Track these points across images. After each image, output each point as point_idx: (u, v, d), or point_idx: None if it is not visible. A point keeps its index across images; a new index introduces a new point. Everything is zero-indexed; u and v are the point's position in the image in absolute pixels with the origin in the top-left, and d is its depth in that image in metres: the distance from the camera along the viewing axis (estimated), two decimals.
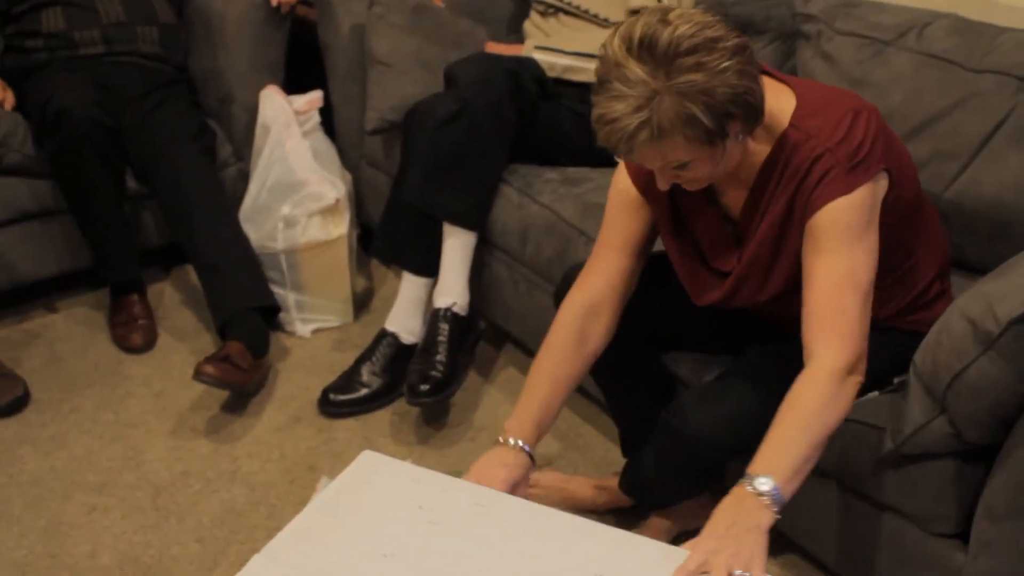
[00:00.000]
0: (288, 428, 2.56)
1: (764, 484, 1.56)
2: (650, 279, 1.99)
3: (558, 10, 2.90)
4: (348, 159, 3.07)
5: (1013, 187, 2.09)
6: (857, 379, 1.66)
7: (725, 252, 1.85)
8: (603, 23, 2.81)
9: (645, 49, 1.55)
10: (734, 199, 1.81)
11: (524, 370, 2.72)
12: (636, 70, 1.54)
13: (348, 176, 2.99)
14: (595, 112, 1.60)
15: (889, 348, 1.87)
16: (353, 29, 2.97)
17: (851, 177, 1.66)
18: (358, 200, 3.08)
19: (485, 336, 2.80)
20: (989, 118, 2.13)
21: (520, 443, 1.80)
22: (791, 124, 1.70)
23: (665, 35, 1.54)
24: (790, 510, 2.00)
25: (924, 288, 1.90)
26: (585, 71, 2.72)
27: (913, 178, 1.83)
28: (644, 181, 1.87)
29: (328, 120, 3.08)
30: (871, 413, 1.87)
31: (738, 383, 1.87)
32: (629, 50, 1.56)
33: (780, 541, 2.14)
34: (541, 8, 2.95)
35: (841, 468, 1.91)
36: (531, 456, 1.81)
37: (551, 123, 2.65)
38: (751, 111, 1.61)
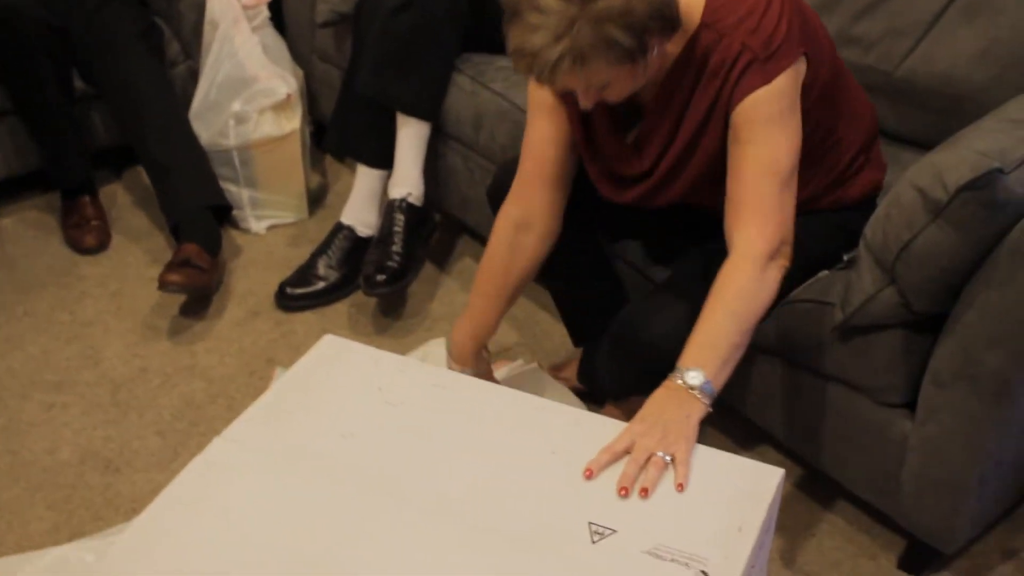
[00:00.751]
0: (246, 323, 2.56)
1: (695, 378, 1.59)
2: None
3: None
4: (299, 54, 3.03)
5: (964, 62, 2.09)
6: (782, 263, 1.67)
7: (626, 158, 1.83)
8: None
9: None
10: (640, 98, 1.78)
11: (480, 260, 2.72)
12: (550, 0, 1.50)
13: (299, 71, 2.95)
14: (511, 44, 1.54)
15: (830, 228, 1.89)
16: None
17: (769, 66, 1.64)
18: (310, 95, 3.05)
19: (441, 227, 2.80)
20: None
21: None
22: (702, 23, 1.66)
23: None
24: (738, 385, 2.05)
25: (848, 163, 1.90)
26: None
27: (831, 54, 1.81)
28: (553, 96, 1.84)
29: (278, 15, 3.03)
30: (820, 291, 1.89)
31: (684, 287, 1.87)
32: None
33: (730, 416, 2.18)
34: None
35: (792, 345, 1.93)
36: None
37: (502, 11, 2.61)
38: (668, 22, 1.58)
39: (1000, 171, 1.59)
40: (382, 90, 2.49)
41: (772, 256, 1.65)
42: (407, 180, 2.54)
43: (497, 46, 2.61)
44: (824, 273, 1.93)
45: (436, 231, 2.75)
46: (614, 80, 1.59)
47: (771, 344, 1.96)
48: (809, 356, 1.92)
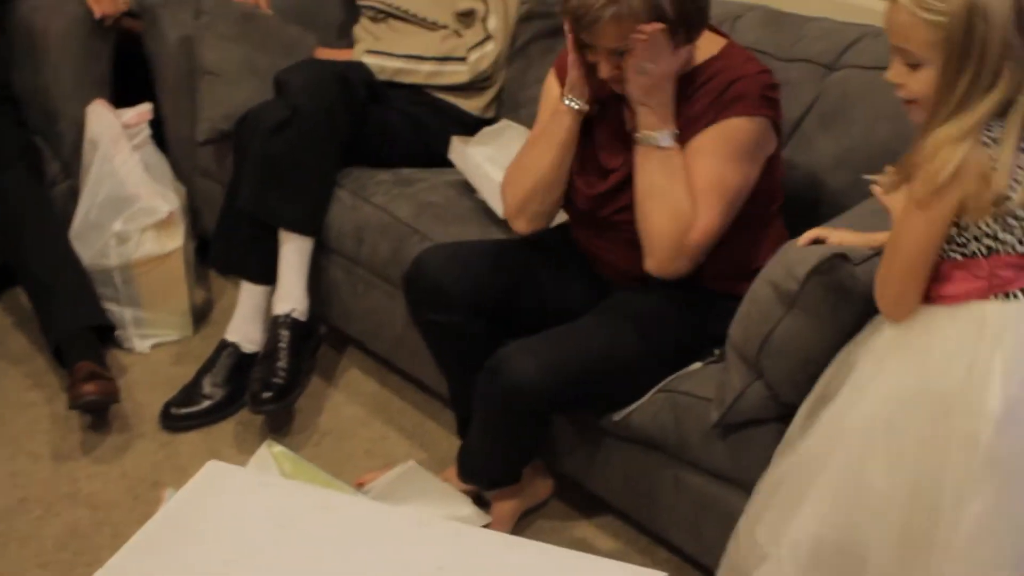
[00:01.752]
0: (129, 446, 2.52)
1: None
2: (499, 262, 2.11)
3: (387, 15, 2.92)
4: (181, 171, 3.03)
5: (823, 168, 2.19)
6: (693, 245, 1.88)
7: (615, 148, 2.00)
8: (431, 26, 2.84)
9: None
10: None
11: (367, 371, 2.74)
12: None
13: (182, 188, 2.96)
14: None
15: (716, 313, 1.96)
16: (180, 40, 2.94)
17: (760, 104, 1.88)
18: (193, 211, 3.04)
19: (326, 340, 2.80)
20: (799, 104, 2.24)
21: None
22: (718, 55, 1.93)
23: None
24: (616, 482, 2.09)
25: (755, 268, 1.99)
26: (415, 73, 2.75)
27: (780, 168, 2.03)
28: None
29: (159, 132, 3.04)
30: (698, 385, 1.95)
31: (559, 335, 1.97)
32: None
33: (609, 512, 2.21)
34: (371, 13, 2.96)
35: (672, 440, 1.97)
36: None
37: (382, 125, 2.67)
38: (699, 21, 1.86)
39: (844, 257, 1.69)
40: (264, 207, 2.51)
41: (690, 246, 1.88)
42: (291, 295, 2.54)
43: (377, 159, 2.68)
44: (697, 365, 2.00)
45: (322, 344, 2.76)
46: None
47: (653, 438, 2.00)
48: (691, 452, 1.96)
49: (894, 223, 1.56)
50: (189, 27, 2.92)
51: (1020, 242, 1.52)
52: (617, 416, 2.01)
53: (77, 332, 2.64)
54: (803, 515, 1.63)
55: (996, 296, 1.53)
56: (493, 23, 2.76)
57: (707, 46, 1.95)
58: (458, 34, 2.81)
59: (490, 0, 2.77)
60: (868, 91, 2.16)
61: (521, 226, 2.10)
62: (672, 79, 1.88)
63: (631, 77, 1.85)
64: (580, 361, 1.94)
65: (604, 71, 1.89)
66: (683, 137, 1.92)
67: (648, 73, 1.84)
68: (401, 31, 2.90)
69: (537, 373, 1.89)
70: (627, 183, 1.98)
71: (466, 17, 2.81)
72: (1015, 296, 1.53)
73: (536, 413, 2.00)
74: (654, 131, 1.89)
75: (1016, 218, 1.51)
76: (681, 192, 1.88)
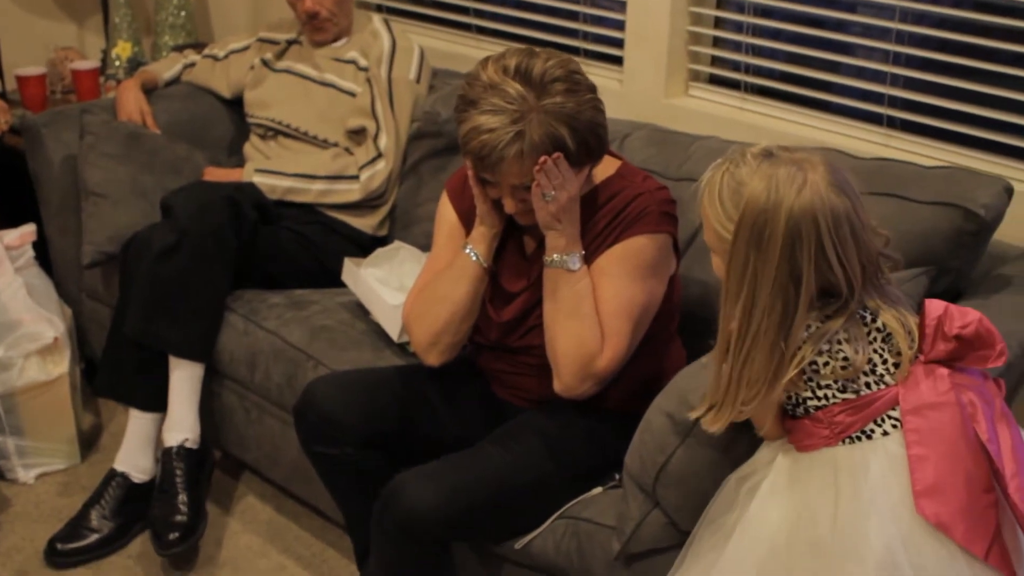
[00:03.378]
0: None
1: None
2: (391, 391, 2.08)
3: (276, 132, 2.92)
4: (67, 292, 2.97)
5: (715, 287, 2.21)
6: (602, 368, 1.90)
7: (517, 273, 2.03)
8: (322, 144, 2.84)
9: (520, 75, 1.82)
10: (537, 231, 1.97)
11: (263, 497, 2.68)
12: (513, 89, 1.81)
13: (68, 311, 2.88)
14: (467, 126, 1.83)
15: (617, 437, 1.96)
16: (64, 159, 2.89)
17: (661, 220, 1.92)
18: (80, 334, 2.97)
19: (219, 466, 2.73)
20: (689, 224, 2.26)
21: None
22: (615, 175, 1.97)
23: (538, 65, 1.83)
24: None
25: (658, 388, 1.99)
26: (306, 192, 2.74)
27: (678, 286, 2.08)
28: (464, 209, 2.08)
29: (43, 253, 2.97)
30: (600, 512, 1.94)
31: (456, 461, 1.95)
32: (506, 73, 1.83)
33: None
34: (260, 131, 2.95)
35: (576, 569, 1.95)
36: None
37: (274, 246, 2.64)
38: (599, 147, 1.89)
39: None
40: (151, 333, 2.46)
41: (599, 369, 1.89)
42: (182, 424, 2.48)
43: (270, 280, 2.64)
44: (597, 490, 1.99)
45: (214, 468, 2.68)
46: (562, 193, 1.84)
47: (557, 566, 1.97)
48: None
49: None
50: (73, 146, 2.88)
51: (840, 391, 1.57)
52: (518, 544, 1.98)
53: None
54: None
55: (843, 441, 1.57)
56: (384, 141, 2.77)
57: (604, 166, 1.99)
58: (349, 152, 2.80)
59: (380, 118, 2.78)
60: None
61: (433, 359, 2.07)
62: (576, 200, 1.90)
63: (538, 205, 1.87)
64: (480, 485, 1.92)
65: (509, 206, 1.91)
66: (588, 256, 1.94)
67: (554, 200, 1.85)
68: (292, 148, 2.89)
69: (435, 498, 1.86)
70: (534, 308, 1.99)
71: (356, 135, 2.81)
72: (858, 438, 1.56)
73: (437, 542, 1.96)
74: (564, 254, 1.90)
75: (823, 386, 1.57)
76: (589, 315, 1.89)
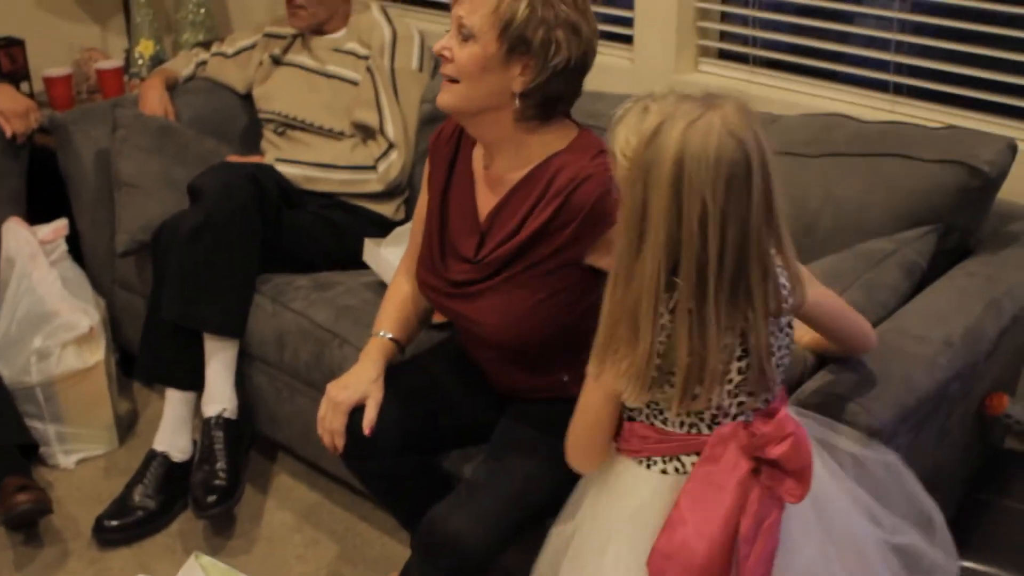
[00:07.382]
0: (57, 565, 2.49)
1: None
2: (412, 390, 2.10)
3: (287, 126, 2.98)
4: (100, 284, 3.05)
5: None
6: None
7: (468, 238, 1.99)
8: (332, 134, 2.91)
9: None
10: (489, 197, 1.97)
11: (297, 476, 2.75)
12: None
13: (101, 301, 2.96)
14: None
15: None
16: (95, 155, 2.97)
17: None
18: (114, 324, 3.05)
19: (254, 447, 2.80)
20: None
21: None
22: (565, 149, 1.89)
23: None
24: None
25: None
26: (328, 181, 2.80)
27: None
28: (433, 163, 2.08)
29: (76, 247, 3.05)
30: None
31: (485, 483, 1.94)
32: None
33: None
34: (272, 126, 3.02)
35: None
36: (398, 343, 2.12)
37: (298, 228, 2.71)
38: (540, 59, 1.80)
39: None
40: (187, 314, 2.53)
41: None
42: (220, 396, 2.56)
43: (296, 263, 2.71)
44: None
45: (254, 441, 2.75)
46: (477, 40, 1.80)
47: None
48: None
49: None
50: (102, 141, 2.96)
51: (652, 415, 1.57)
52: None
53: (1, 451, 2.62)
54: None
55: (634, 459, 1.60)
56: (391, 131, 2.82)
57: (556, 137, 1.91)
58: (364, 143, 2.87)
59: (384, 109, 2.83)
60: None
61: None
62: (475, 97, 1.87)
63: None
64: (517, 501, 1.91)
65: (447, 42, 1.87)
66: (539, 242, 1.89)
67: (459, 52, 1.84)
68: (304, 141, 2.95)
69: (484, 530, 1.85)
70: (479, 278, 1.97)
71: (364, 130, 2.87)
72: (641, 462, 1.59)
73: (481, 565, 1.90)
74: None
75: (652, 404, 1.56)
76: None
